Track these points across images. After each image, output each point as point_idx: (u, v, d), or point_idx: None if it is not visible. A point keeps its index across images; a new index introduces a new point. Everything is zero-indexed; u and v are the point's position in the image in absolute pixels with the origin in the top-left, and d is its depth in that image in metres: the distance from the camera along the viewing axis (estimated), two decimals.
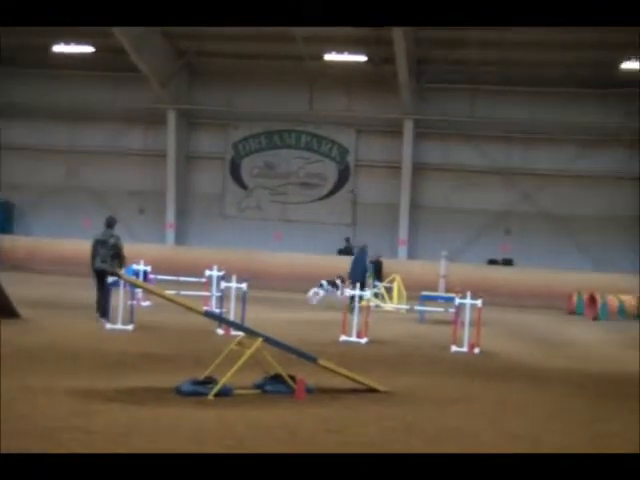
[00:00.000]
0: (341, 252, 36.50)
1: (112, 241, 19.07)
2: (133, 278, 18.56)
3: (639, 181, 35.31)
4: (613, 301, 29.10)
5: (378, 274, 31.08)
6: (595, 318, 28.19)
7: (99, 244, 19.15)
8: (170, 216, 38.15)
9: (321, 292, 27.16)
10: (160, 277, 23.45)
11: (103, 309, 18.79)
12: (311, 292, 27.47)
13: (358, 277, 26.71)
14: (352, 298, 19.67)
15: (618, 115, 34.86)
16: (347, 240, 36.89)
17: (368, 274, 27.40)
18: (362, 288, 26.54)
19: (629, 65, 31.76)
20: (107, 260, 18.92)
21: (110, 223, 19.57)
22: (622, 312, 28.85)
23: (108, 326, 18.05)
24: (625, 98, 34.60)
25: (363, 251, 27.53)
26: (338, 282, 27.37)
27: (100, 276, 18.95)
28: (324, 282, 27.52)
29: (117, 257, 19.04)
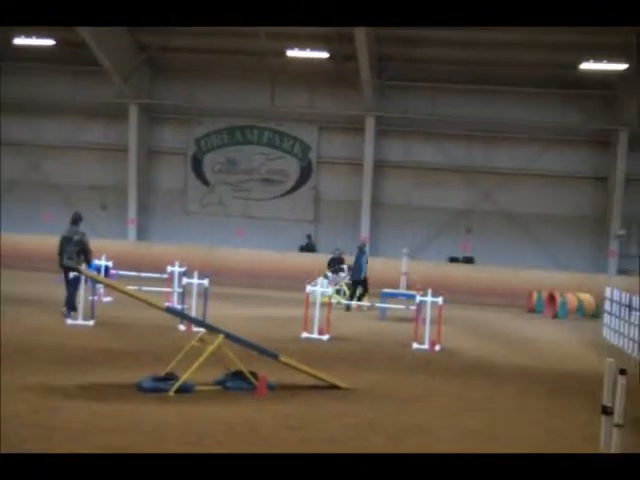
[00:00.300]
0: (303, 249, 36.48)
1: (76, 238, 18.99)
2: (94, 273, 18.50)
3: (599, 181, 35.70)
4: (572, 300, 29.37)
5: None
6: (554, 316, 28.43)
7: (65, 241, 19.09)
8: (132, 212, 37.85)
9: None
10: (122, 273, 23.33)
11: (68, 304, 18.70)
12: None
13: (357, 276, 26.74)
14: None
15: (579, 115, 35.15)
16: (309, 237, 36.86)
17: (363, 273, 27.09)
18: (358, 288, 26.60)
19: (588, 66, 32.05)
20: (74, 257, 18.84)
21: (75, 220, 19.50)
22: (581, 311, 29.15)
23: (69, 321, 17.96)
24: (586, 98, 34.98)
25: (361, 250, 27.36)
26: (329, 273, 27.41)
27: (68, 273, 18.88)
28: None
29: (83, 253, 18.97)
